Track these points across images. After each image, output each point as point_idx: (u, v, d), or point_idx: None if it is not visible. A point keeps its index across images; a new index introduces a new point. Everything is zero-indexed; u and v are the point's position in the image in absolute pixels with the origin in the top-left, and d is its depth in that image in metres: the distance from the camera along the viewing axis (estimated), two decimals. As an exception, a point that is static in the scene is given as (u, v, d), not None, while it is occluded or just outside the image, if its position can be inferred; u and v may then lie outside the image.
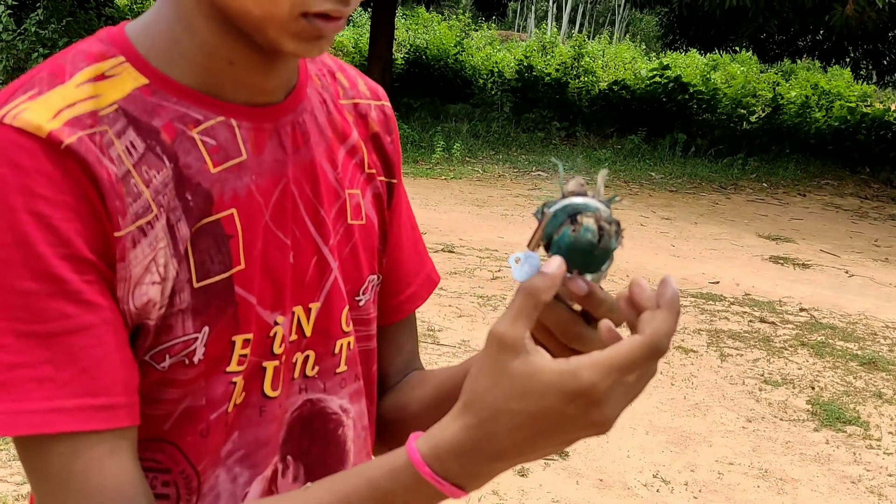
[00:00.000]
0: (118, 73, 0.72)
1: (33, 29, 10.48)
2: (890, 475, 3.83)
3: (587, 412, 0.61)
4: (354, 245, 0.87)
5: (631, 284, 0.66)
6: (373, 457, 0.95)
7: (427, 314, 5.19)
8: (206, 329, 0.74)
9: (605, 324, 0.65)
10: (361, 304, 0.89)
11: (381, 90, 0.95)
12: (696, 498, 3.49)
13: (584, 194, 0.68)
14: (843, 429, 4.24)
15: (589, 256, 0.67)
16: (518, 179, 10.17)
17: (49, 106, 0.68)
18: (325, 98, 0.86)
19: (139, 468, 0.71)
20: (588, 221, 0.67)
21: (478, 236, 7.22)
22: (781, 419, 4.29)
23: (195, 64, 0.74)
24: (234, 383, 0.77)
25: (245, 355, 0.77)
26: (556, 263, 0.65)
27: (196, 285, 0.74)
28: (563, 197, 0.69)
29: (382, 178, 0.92)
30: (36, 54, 10.30)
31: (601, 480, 3.52)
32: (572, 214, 0.67)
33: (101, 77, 0.72)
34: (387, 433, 0.98)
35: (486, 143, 11.96)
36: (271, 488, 0.83)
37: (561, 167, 0.72)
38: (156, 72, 0.73)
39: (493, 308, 5.43)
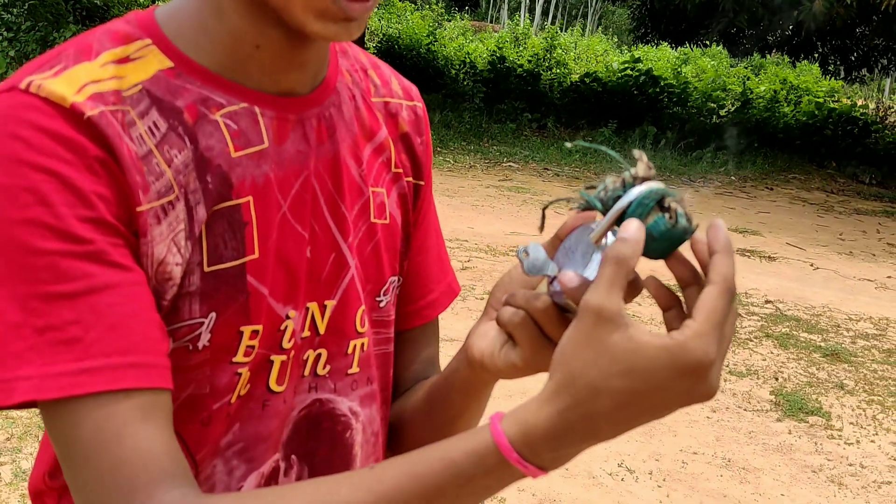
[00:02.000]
0: (143, 56, 0.72)
1: (-2, 12, 10.30)
2: (850, 465, 3.89)
3: (696, 385, 0.58)
4: (377, 244, 0.85)
5: (709, 227, 0.63)
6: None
7: (396, 304, 5.18)
8: (213, 315, 0.73)
9: (651, 279, 0.65)
10: (382, 304, 0.87)
11: (414, 90, 0.93)
12: (659, 487, 3.52)
13: (652, 178, 0.63)
14: (806, 419, 4.30)
15: (674, 245, 0.63)
16: (489, 170, 10.18)
17: (74, 80, 0.68)
18: (354, 94, 0.84)
19: (175, 438, 0.68)
20: (679, 208, 0.62)
21: (448, 227, 7.22)
22: (745, 409, 4.34)
23: (222, 48, 0.73)
24: (240, 374, 0.76)
25: (253, 347, 0.76)
26: (634, 227, 0.62)
27: (207, 269, 0.72)
28: (630, 181, 0.64)
29: (410, 178, 0.90)
30: (0, 38, 10.13)
31: (567, 470, 3.54)
32: (659, 201, 0.62)
33: (126, 60, 0.71)
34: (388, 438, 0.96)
35: (457, 133, 11.95)
36: (270, 485, 0.81)
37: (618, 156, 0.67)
38: (181, 55, 0.73)
39: (462, 298, 5.44)
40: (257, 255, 0.75)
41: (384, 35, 17.51)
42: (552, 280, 0.70)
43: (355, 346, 0.84)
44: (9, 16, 10.29)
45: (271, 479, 0.81)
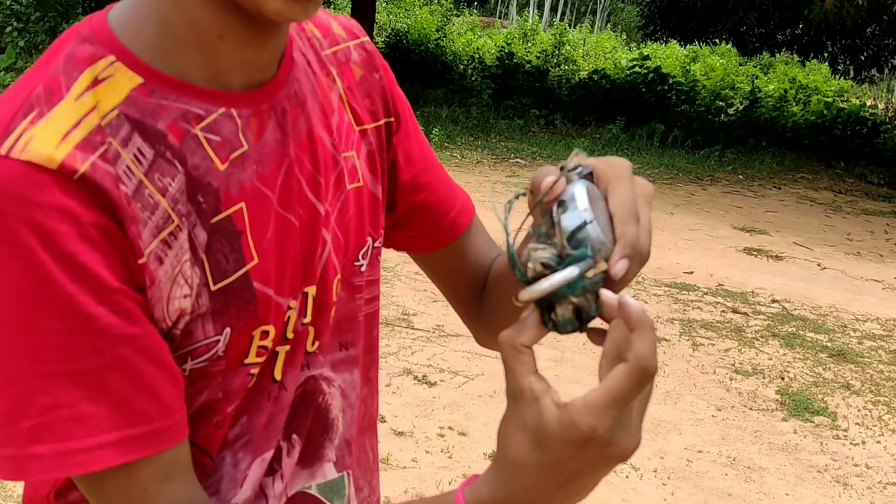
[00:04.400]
0: (112, 74, 0.68)
1: (8, 2, 10.31)
2: (855, 465, 3.88)
3: (602, 452, 0.62)
4: (352, 210, 0.84)
5: (620, 305, 0.63)
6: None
7: (401, 298, 5.18)
8: (228, 330, 0.73)
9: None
10: (362, 269, 0.87)
11: (355, 26, 0.90)
12: (664, 485, 3.52)
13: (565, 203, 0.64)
14: (811, 419, 4.29)
15: (582, 327, 0.66)
16: (496, 166, 10.16)
17: (55, 129, 0.65)
18: (309, 59, 0.82)
19: (195, 483, 0.72)
20: (566, 314, 0.64)
21: (454, 222, 7.21)
22: (751, 408, 4.34)
23: (187, 46, 0.70)
24: (253, 374, 0.77)
25: (266, 347, 0.76)
26: (532, 321, 0.65)
27: (213, 288, 0.72)
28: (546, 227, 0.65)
29: (380, 121, 0.88)
30: (10, 28, 10.15)
31: (571, 466, 3.54)
32: (549, 306, 0.64)
33: (97, 82, 0.68)
34: (490, 315, 0.98)
35: (464, 129, 11.93)
36: (273, 467, 0.82)
37: (510, 203, 0.67)
38: (148, 67, 0.69)
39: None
40: (257, 260, 0.74)
41: (392, 30, 17.49)
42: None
43: (331, 315, 0.84)
44: (18, 6, 10.30)
45: (274, 462, 0.81)
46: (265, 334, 0.76)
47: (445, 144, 10.92)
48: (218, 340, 0.73)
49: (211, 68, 0.71)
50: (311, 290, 0.80)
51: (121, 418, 0.66)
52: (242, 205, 0.73)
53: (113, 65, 0.69)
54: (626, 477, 3.53)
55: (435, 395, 4.00)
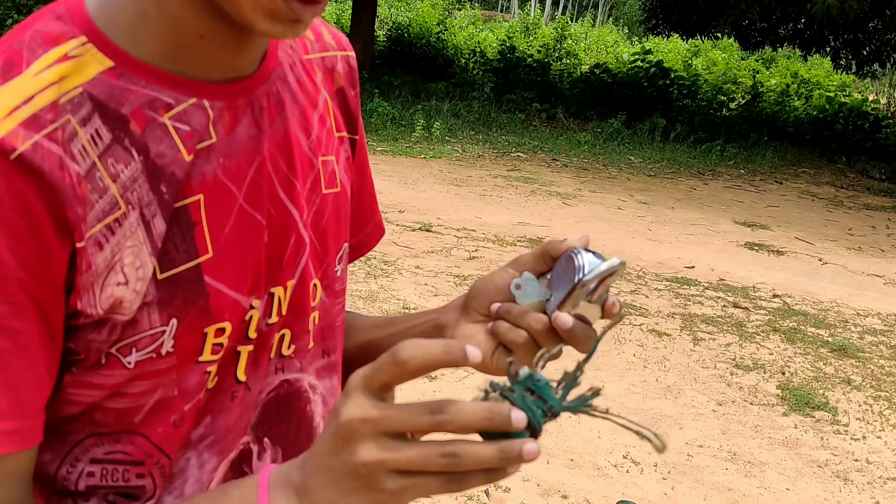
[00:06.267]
0: (81, 55, 0.67)
1: (9, -6, 10.31)
2: (856, 460, 3.88)
3: (341, 453, 0.60)
4: (329, 215, 0.84)
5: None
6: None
7: (403, 292, 5.18)
8: (175, 321, 0.71)
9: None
10: (339, 273, 0.87)
11: (344, 39, 0.91)
12: (664, 479, 3.52)
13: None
14: (812, 414, 4.29)
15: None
16: (497, 160, 10.15)
17: (3, 104, 0.64)
18: (294, 60, 0.82)
19: (29, 495, 0.69)
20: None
21: (455, 216, 7.21)
22: (751, 403, 4.34)
23: (163, 39, 0.69)
24: (209, 372, 0.75)
25: (221, 344, 0.75)
26: (446, 346, 0.63)
27: (160, 276, 0.70)
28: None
29: (347, 135, 0.89)
30: (10, 21, 10.14)
31: (572, 460, 3.54)
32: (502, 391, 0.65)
33: (64, 58, 0.66)
34: None
35: (466, 122, 11.92)
36: (242, 469, 0.80)
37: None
38: (121, 52, 0.68)
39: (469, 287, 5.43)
40: (211, 254, 0.72)
41: (394, 23, 17.46)
42: (547, 299, 0.81)
43: (312, 320, 0.83)
44: (20, -2, 10.29)
45: (242, 462, 0.80)
46: (220, 331, 0.74)
47: (447, 138, 10.91)
48: (164, 332, 0.71)
49: (186, 61, 0.70)
50: (279, 291, 0.78)
51: None
52: (200, 196, 0.71)
53: (84, 45, 0.67)
54: (627, 471, 3.54)
55: (436, 389, 4.00)
